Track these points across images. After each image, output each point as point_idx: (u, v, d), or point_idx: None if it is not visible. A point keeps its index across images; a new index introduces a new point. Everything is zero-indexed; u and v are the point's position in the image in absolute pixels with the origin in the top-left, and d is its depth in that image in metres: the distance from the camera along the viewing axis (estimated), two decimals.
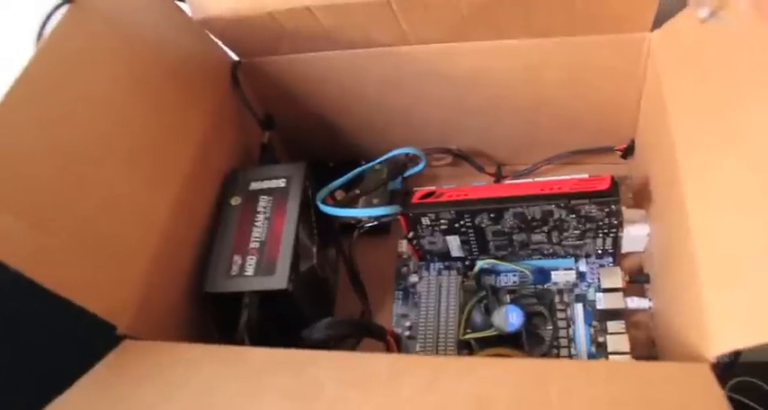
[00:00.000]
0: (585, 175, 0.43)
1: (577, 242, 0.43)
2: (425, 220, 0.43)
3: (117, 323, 0.33)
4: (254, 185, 0.44)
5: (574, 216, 0.41)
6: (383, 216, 0.44)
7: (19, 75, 0.31)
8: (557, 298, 0.44)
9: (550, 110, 0.47)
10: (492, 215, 0.41)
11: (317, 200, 0.45)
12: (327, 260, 0.47)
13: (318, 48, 0.44)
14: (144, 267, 0.36)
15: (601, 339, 0.42)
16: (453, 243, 0.45)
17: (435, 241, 0.45)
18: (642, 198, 0.44)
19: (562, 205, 0.40)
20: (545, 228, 0.42)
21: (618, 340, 0.41)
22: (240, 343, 0.37)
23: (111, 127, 0.36)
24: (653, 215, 0.42)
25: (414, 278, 0.49)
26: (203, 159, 0.42)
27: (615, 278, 0.43)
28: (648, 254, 0.44)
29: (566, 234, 0.42)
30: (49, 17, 0.34)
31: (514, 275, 0.46)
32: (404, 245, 0.50)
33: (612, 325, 0.42)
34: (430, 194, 0.43)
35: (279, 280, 0.39)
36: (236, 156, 0.48)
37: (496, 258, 0.45)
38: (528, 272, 0.45)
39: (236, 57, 0.47)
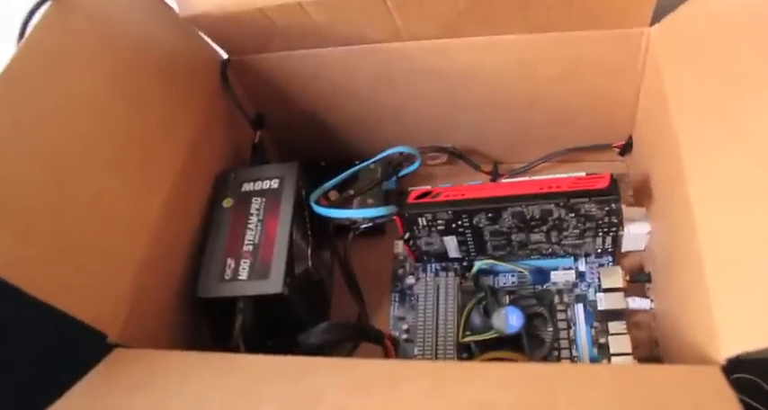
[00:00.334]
0: (583, 173, 0.43)
1: (577, 241, 0.43)
2: (422, 221, 0.42)
3: (107, 331, 0.32)
4: (247, 187, 0.43)
5: (573, 215, 0.40)
6: (379, 217, 0.43)
7: None
8: (556, 299, 0.44)
9: (545, 106, 0.46)
10: (490, 215, 0.41)
11: (311, 200, 0.44)
12: (322, 262, 0.46)
13: (310, 45, 0.43)
14: (133, 272, 0.35)
15: (602, 340, 0.41)
16: (450, 243, 0.44)
17: (432, 242, 0.44)
18: (642, 195, 0.43)
19: (561, 204, 0.39)
20: (544, 228, 0.41)
21: (620, 341, 0.40)
22: (235, 349, 0.36)
23: (95, 127, 0.35)
24: (654, 213, 0.41)
25: (410, 279, 0.48)
26: (193, 160, 0.41)
27: (616, 277, 0.42)
28: (649, 253, 0.43)
29: (565, 233, 0.42)
30: (31, 14, 0.33)
31: (513, 275, 0.46)
32: (400, 246, 0.49)
33: (614, 326, 0.41)
34: (426, 194, 0.42)
35: (274, 284, 0.38)
36: (227, 157, 0.47)
37: (494, 258, 0.45)
38: (527, 272, 0.45)
39: (225, 55, 0.46)
